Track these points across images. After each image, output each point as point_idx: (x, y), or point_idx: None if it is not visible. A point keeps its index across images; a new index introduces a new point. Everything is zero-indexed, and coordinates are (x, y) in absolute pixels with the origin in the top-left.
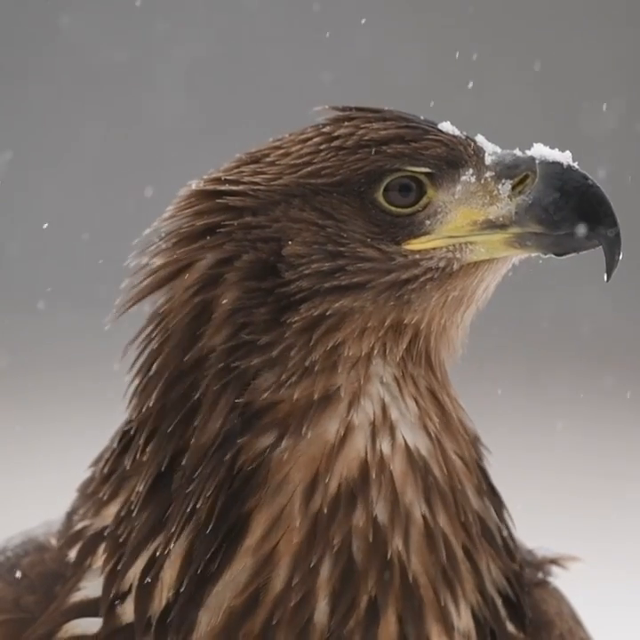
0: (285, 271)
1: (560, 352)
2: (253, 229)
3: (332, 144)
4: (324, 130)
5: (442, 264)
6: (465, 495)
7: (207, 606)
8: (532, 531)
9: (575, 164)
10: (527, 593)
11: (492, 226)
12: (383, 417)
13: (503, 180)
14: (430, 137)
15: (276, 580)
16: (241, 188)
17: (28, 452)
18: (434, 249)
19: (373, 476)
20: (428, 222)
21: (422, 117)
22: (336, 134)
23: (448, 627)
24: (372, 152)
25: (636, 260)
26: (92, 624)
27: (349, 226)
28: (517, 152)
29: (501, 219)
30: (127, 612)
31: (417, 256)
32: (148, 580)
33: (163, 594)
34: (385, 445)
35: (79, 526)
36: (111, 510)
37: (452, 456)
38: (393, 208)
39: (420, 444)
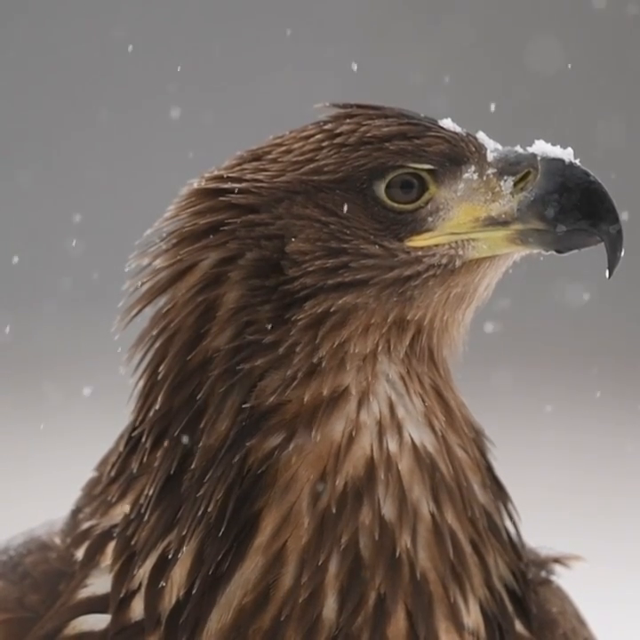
0: (289, 268)
1: (562, 350)
2: (257, 227)
3: (335, 141)
4: (326, 127)
5: (444, 261)
6: (471, 490)
7: (218, 605)
8: (532, 530)
9: (577, 161)
10: (532, 591)
11: (495, 222)
12: (390, 415)
13: (505, 177)
14: (432, 134)
15: (285, 578)
16: (243, 185)
17: (29, 452)
18: (436, 246)
19: (380, 474)
20: (430, 219)
21: (423, 115)
22: (338, 131)
23: (457, 623)
24: (375, 149)
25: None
26: (100, 620)
27: (352, 223)
28: (519, 149)
29: (503, 215)
30: (136, 609)
31: (419, 253)
32: (158, 579)
33: (173, 592)
34: (392, 444)
35: (86, 526)
36: (119, 510)
37: (457, 452)
38: (395, 205)
39: (427, 441)
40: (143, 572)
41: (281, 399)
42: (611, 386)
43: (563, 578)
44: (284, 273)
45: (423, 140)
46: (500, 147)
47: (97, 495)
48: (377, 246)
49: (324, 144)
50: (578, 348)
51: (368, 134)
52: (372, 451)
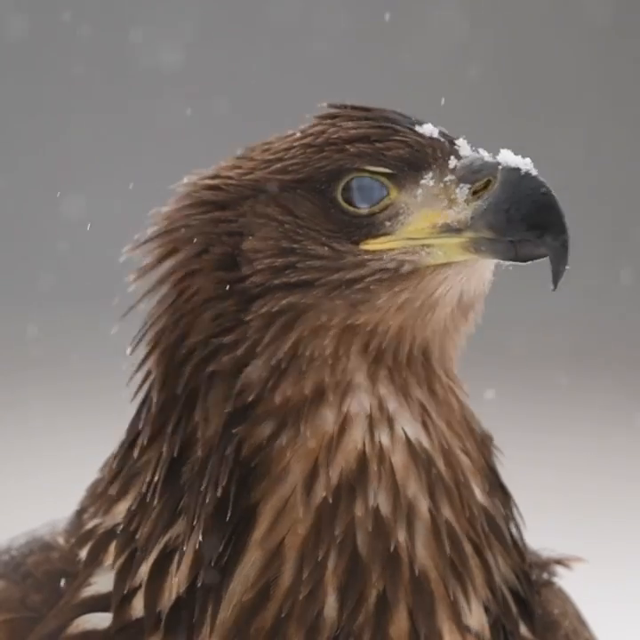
0: (243, 266)
1: (558, 351)
2: (220, 223)
3: (303, 141)
4: (303, 127)
5: (391, 265)
6: (470, 491)
7: (218, 600)
8: (533, 531)
9: (534, 172)
10: (537, 592)
11: (450, 229)
12: (379, 410)
13: (462, 185)
14: (396, 138)
15: (285, 574)
16: (216, 182)
17: (29, 452)
18: (387, 250)
19: (373, 467)
20: (388, 223)
21: (413, 118)
22: (309, 132)
23: (460, 623)
24: (337, 151)
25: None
26: (103, 619)
27: (308, 223)
28: (486, 157)
29: (457, 223)
30: (137, 607)
31: (365, 256)
32: (159, 575)
33: (173, 588)
34: (384, 438)
35: (90, 525)
36: (121, 507)
37: (456, 452)
38: (350, 208)
39: (422, 437)
40: (145, 569)
41: (263, 392)
42: (611, 386)
43: (564, 578)
44: (240, 270)
45: (385, 144)
46: (476, 154)
47: (100, 494)
48: (326, 248)
49: (295, 144)
50: (575, 350)
51: (334, 136)
52: (363, 444)
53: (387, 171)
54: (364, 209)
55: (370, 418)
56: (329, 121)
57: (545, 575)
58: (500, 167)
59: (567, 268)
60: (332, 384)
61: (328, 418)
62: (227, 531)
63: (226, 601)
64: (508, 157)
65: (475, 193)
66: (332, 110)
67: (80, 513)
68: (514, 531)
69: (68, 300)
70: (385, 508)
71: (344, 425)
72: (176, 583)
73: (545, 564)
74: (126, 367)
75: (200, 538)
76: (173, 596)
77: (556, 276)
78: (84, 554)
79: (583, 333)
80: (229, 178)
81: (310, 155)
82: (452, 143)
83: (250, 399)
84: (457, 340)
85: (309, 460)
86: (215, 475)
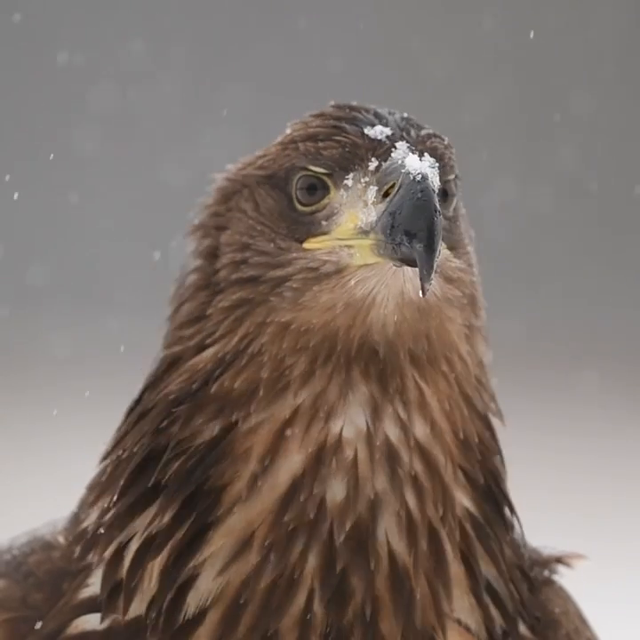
0: (217, 260)
1: (559, 351)
2: (215, 217)
3: (279, 139)
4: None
5: (314, 265)
6: (449, 493)
7: (196, 589)
8: (534, 530)
9: (419, 177)
10: (537, 590)
11: (363, 231)
12: (318, 406)
13: (371, 187)
14: (336, 138)
15: (260, 566)
16: (223, 176)
17: (29, 452)
18: (316, 249)
19: (328, 458)
20: (324, 223)
21: (389, 119)
22: (288, 130)
23: (453, 621)
24: (294, 149)
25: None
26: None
27: (266, 219)
28: (399, 161)
29: (364, 225)
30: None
31: (295, 254)
32: (139, 566)
33: (152, 580)
34: (339, 431)
35: (85, 524)
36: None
37: (433, 452)
38: (299, 206)
39: (383, 432)
40: (127, 561)
41: (204, 385)
42: (611, 386)
43: (564, 577)
44: (216, 264)
45: (325, 144)
46: (396, 157)
47: (93, 487)
48: (272, 245)
49: (277, 141)
50: (578, 350)
51: (296, 134)
52: (312, 435)
53: (323, 170)
54: (307, 207)
55: (309, 413)
56: (309, 119)
57: (546, 573)
58: (402, 171)
59: (429, 274)
60: (267, 380)
61: (268, 411)
62: (191, 516)
63: (204, 589)
64: (410, 161)
65: (385, 196)
66: (325, 109)
67: (78, 512)
68: (507, 537)
69: (69, 300)
70: (350, 500)
71: (290, 418)
72: (155, 573)
73: (546, 562)
74: (119, 368)
75: (161, 522)
76: (153, 588)
77: (421, 281)
78: (78, 551)
79: (583, 333)
80: (231, 173)
81: (278, 152)
82: (392, 146)
83: (194, 387)
84: (427, 343)
85: (261, 446)
86: (141, 450)
